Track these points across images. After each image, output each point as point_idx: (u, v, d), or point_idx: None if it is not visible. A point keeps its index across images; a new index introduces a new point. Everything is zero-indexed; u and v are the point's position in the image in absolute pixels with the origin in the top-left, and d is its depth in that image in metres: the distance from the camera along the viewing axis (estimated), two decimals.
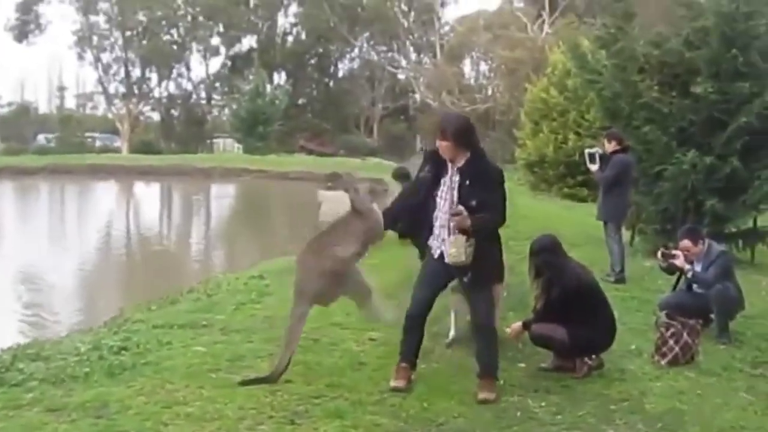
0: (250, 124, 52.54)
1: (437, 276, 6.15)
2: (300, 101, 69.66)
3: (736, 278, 8.47)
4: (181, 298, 9.26)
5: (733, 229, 14.08)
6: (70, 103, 74.17)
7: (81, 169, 39.87)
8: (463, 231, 5.78)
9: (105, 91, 67.94)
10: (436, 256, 6.07)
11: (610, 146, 11.26)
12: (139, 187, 38.16)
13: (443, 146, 5.95)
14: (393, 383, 6.01)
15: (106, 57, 67.35)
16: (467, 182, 5.92)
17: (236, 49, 71.34)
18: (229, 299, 8.98)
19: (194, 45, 70.22)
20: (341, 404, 5.56)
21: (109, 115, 68.92)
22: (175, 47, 69.40)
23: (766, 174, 12.71)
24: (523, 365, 6.76)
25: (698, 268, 8.27)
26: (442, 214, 5.98)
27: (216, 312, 8.26)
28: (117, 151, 58.39)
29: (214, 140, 68.79)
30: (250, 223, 23.68)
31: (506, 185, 6.14)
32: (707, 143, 13.13)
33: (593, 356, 6.70)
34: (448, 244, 5.89)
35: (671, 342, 7.11)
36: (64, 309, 11.87)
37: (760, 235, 13.91)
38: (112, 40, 67.28)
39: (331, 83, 72.32)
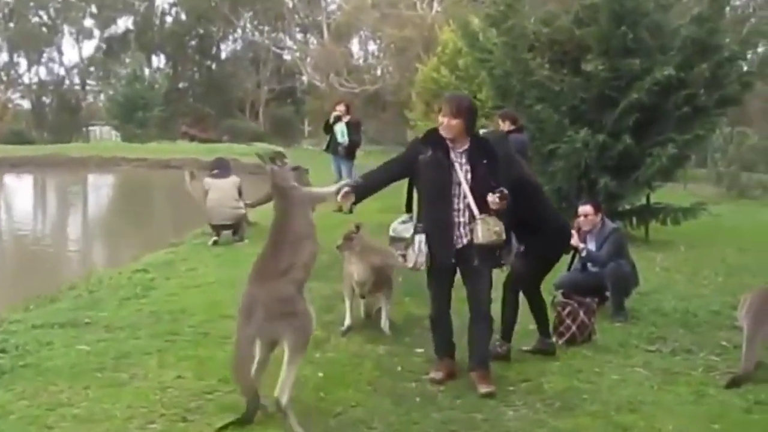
0: (127, 110, 51.42)
1: (450, 267, 6.15)
2: (181, 85, 68.76)
3: (629, 255, 8.77)
4: (60, 296, 9.01)
5: (627, 207, 14.55)
6: None
7: None
8: (486, 209, 5.88)
9: None
10: (460, 244, 6.05)
11: (505, 126, 11.47)
12: (10, 180, 37.04)
13: (452, 124, 5.97)
14: (432, 374, 6.18)
15: None
16: (484, 162, 6.01)
17: (111, 30, 69.95)
18: (113, 295, 8.79)
19: (66, 27, 68.60)
20: (235, 398, 5.52)
21: None
22: (45, 30, 67.66)
23: (657, 151, 13.15)
24: (421, 350, 6.86)
25: (592, 246, 8.54)
26: (467, 196, 5.97)
27: (99, 309, 8.06)
28: None
29: (90, 128, 66.97)
30: (131, 214, 23.24)
31: None
32: (599, 121, 13.53)
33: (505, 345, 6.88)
34: (481, 224, 5.90)
35: (568, 321, 7.32)
36: None
37: (654, 212, 14.41)
38: None
39: (214, 66, 71.43)
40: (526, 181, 6.73)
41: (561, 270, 8.82)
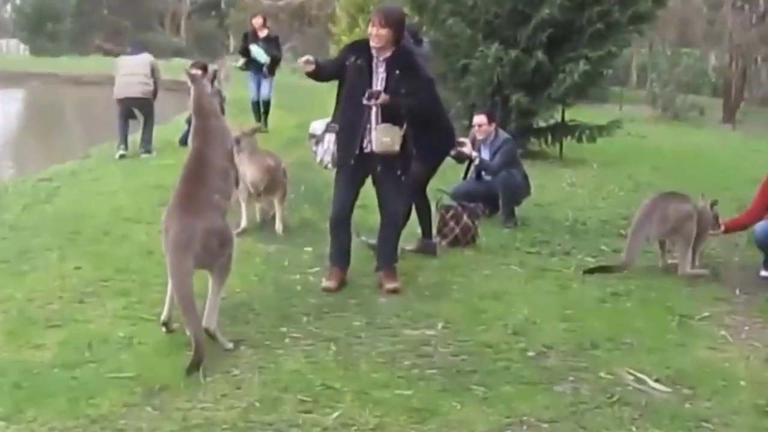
0: (36, 21, 51.27)
1: (357, 172, 6.79)
2: None
3: (521, 165, 9.74)
4: None
5: (543, 124, 15.58)
6: None
7: None
8: (391, 119, 6.59)
9: None
10: (358, 150, 6.69)
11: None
12: None
13: (381, 34, 6.57)
14: (325, 283, 6.71)
15: None
16: (397, 72, 6.60)
17: None
18: (17, 201, 9.63)
19: None
20: (129, 285, 6.43)
21: None
22: None
23: (569, 67, 14.10)
24: (310, 249, 7.77)
25: (486, 155, 9.50)
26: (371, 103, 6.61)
27: (2, 212, 8.96)
28: None
29: None
30: (38, 129, 23.69)
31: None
32: (513, 36, 14.41)
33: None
34: (378, 132, 6.58)
35: (452, 224, 8.30)
36: None
37: (569, 130, 15.43)
38: None
39: None
40: (433, 83, 7.61)
41: (457, 180, 9.82)
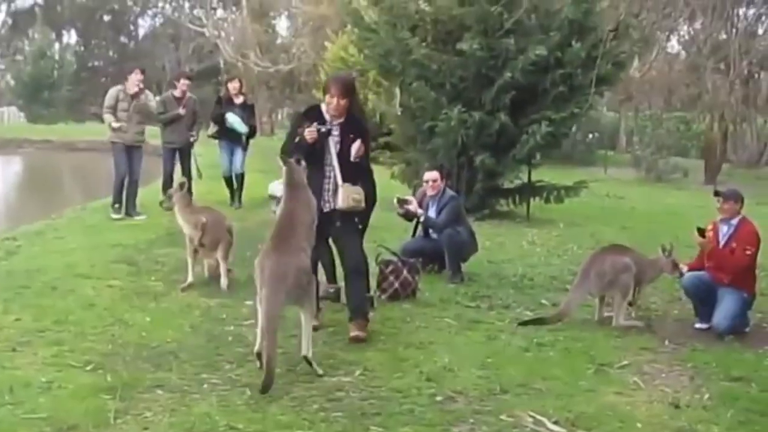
0: (33, 89, 51.93)
1: (323, 230, 7.09)
2: (93, 63, 68.79)
3: (467, 222, 10.03)
4: None
5: (510, 185, 15.90)
6: None
7: None
8: (351, 179, 7.07)
9: None
10: (325, 209, 7.11)
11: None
12: None
13: (342, 104, 7.05)
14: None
15: None
16: (351, 136, 7.10)
17: (18, 4, 69.75)
18: None
19: None
20: (64, 335, 6.70)
21: None
22: None
23: (533, 129, 14.44)
24: (250, 303, 7.98)
25: (432, 213, 9.78)
26: (334, 166, 7.09)
27: None
28: None
29: None
30: (23, 193, 24.17)
31: None
32: (478, 99, 14.79)
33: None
34: (345, 191, 7.02)
35: (391, 278, 8.53)
36: None
37: (536, 190, 15.74)
38: None
39: (132, 44, 71.61)
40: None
41: (406, 237, 10.10)
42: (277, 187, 7.44)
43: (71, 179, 28.58)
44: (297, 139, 7.05)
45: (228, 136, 15.31)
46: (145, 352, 6.44)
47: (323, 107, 7.19)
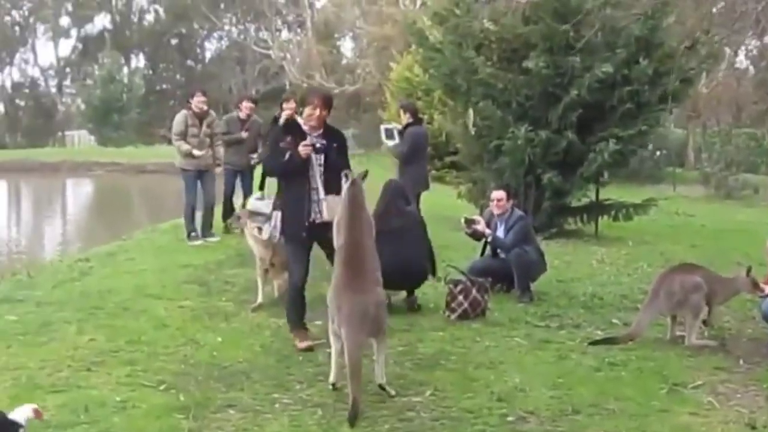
0: (103, 113, 52.78)
1: (309, 241, 7.32)
2: (161, 87, 69.78)
3: (536, 241, 9.96)
4: (2, 280, 10.43)
5: (577, 204, 15.78)
6: None
7: None
8: (334, 190, 7.02)
9: None
10: (318, 220, 7.15)
11: (405, 118, 12.84)
12: None
13: (321, 116, 7.18)
14: (302, 345, 7.25)
15: None
16: (334, 145, 7.20)
17: (87, 29, 71.04)
18: (50, 279, 10.23)
19: (40, 26, 69.65)
20: (137, 356, 6.83)
21: None
22: (17, 29, 68.69)
23: (600, 147, 14.32)
24: (319, 322, 7.99)
25: (500, 233, 9.73)
26: (317, 178, 7.15)
27: (34, 289, 9.50)
28: None
29: (67, 133, 68.28)
30: (95, 216, 24.61)
31: None
32: (544, 118, 14.72)
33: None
34: (330, 202, 7.01)
35: (460, 298, 8.49)
36: None
37: (604, 209, 15.59)
38: None
39: (199, 67, 72.57)
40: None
41: (475, 256, 10.07)
42: (260, 204, 7.50)
43: (140, 201, 29.06)
44: (287, 155, 7.10)
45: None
46: (216, 372, 6.52)
47: (299, 119, 7.38)
